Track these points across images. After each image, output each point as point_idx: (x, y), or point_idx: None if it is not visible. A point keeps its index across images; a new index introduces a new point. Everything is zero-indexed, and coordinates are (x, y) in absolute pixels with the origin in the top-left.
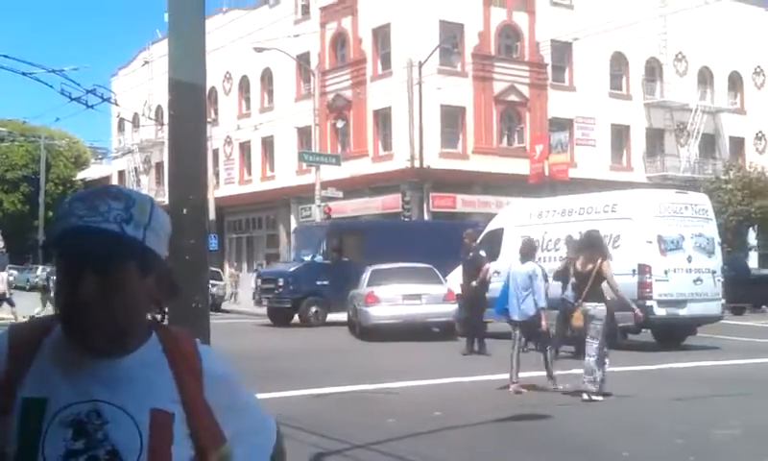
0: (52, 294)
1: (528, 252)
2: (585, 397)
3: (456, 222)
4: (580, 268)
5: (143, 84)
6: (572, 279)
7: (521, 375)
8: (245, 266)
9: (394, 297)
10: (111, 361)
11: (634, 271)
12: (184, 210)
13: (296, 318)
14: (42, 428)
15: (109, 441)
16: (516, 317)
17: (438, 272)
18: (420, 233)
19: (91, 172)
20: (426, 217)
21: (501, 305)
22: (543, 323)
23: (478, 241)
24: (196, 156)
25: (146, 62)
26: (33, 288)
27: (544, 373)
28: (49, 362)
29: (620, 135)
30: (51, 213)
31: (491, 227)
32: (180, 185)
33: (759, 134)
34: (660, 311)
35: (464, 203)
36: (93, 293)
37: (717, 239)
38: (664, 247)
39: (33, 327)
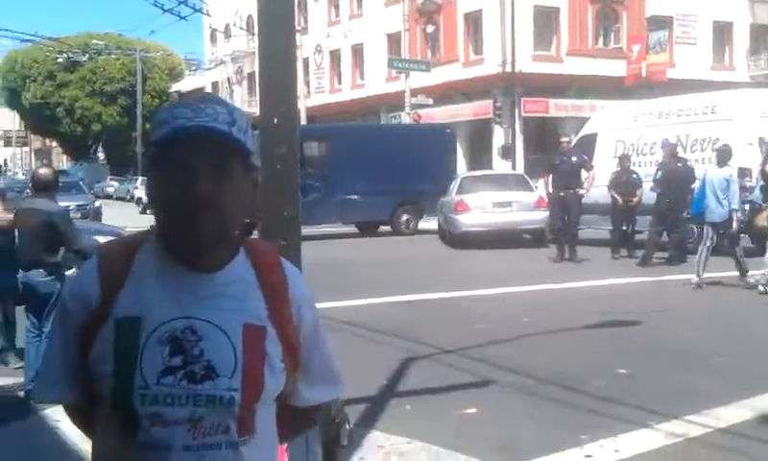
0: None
1: (725, 157)
2: (760, 289)
3: (436, 125)
4: None
5: None
6: (761, 182)
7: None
8: None
9: (484, 204)
10: (205, 276)
11: None
12: (275, 120)
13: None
14: (139, 346)
15: (205, 357)
16: (714, 219)
17: (528, 179)
18: (392, 140)
19: (185, 84)
20: (517, 123)
21: (697, 208)
22: (734, 224)
23: (572, 145)
24: (286, 65)
25: None
26: (132, 199)
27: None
28: (142, 279)
29: (722, 33)
30: (148, 125)
31: (584, 131)
32: (271, 95)
33: None
34: None
35: (557, 107)
36: (211, 188)
37: None
38: (766, 149)
39: (124, 245)
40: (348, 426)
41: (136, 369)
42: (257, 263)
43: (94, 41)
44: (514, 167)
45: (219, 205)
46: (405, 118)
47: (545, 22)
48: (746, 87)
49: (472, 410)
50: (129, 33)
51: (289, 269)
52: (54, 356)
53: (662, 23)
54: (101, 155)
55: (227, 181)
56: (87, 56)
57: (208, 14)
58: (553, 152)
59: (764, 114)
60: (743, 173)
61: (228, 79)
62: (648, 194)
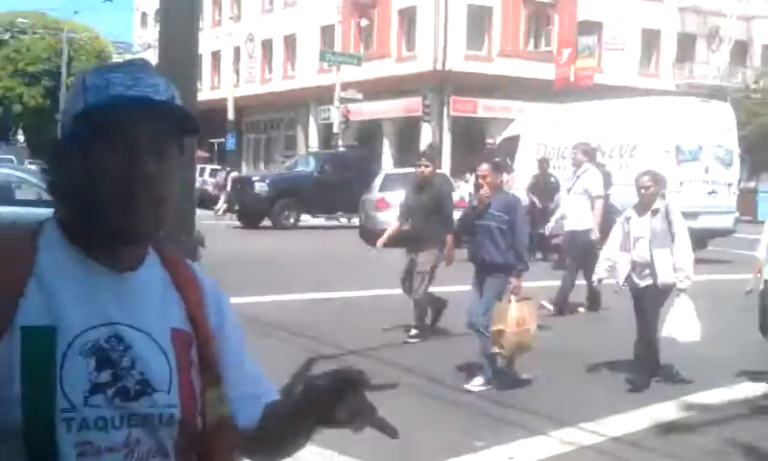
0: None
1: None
2: None
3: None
4: None
5: None
6: None
7: None
8: (262, 167)
9: None
10: (125, 275)
11: None
12: None
13: None
14: (56, 361)
15: (137, 368)
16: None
17: (450, 179)
18: None
19: None
20: (446, 122)
21: None
22: None
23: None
24: (187, 54)
25: None
26: None
27: None
28: (49, 280)
29: (650, 40)
30: None
31: (508, 133)
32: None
33: None
34: None
35: (485, 108)
36: (155, 168)
37: (737, 151)
38: (681, 157)
39: (15, 239)
40: None
41: (56, 389)
42: (167, 262)
43: (19, 20)
44: (440, 167)
45: (160, 188)
46: (335, 112)
47: (478, 21)
48: (671, 95)
49: None
50: (53, 12)
51: (195, 267)
52: None
53: (592, 28)
54: (20, 137)
55: (167, 162)
56: (9, 34)
57: None
58: (478, 153)
59: (680, 123)
60: None
61: (158, 64)
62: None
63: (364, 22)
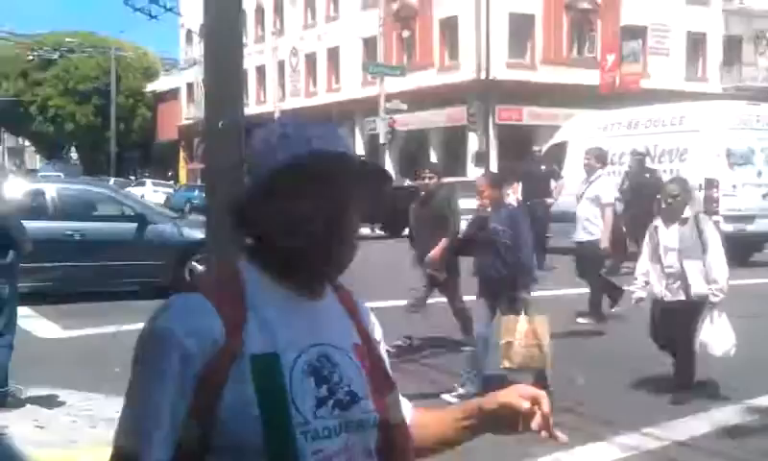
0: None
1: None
2: None
3: None
4: None
5: None
6: None
7: None
8: None
9: None
10: (315, 302)
11: (701, 185)
12: (220, 124)
13: None
14: (285, 381)
15: (345, 382)
16: None
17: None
18: None
19: (160, 84)
20: (491, 130)
21: None
22: None
23: (543, 154)
24: (232, 70)
25: None
26: None
27: None
28: (260, 309)
29: (696, 44)
30: (122, 126)
31: (555, 140)
32: (216, 101)
33: None
34: (727, 227)
35: (531, 115)
36: (355, 222)
37: None
38: (733, 160)
39: (226, 273)
40: None
41: (290, 407)
42: (336, 289)
43: (67, 40)
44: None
45: (356, 234)
46: (380, 123)
47: (520, 30)
48: (719, 99)
49: None
50: (101, 31)
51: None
52: (162, 409)
53: (637, 33)
54: (74, 155)
55: (357, 210)
56: (59, 54)
57: (179, 14)
58: (523, 160)
59: (730, 126)
60: (710, 184)
61: (203, 79)
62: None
63: (406, 33)
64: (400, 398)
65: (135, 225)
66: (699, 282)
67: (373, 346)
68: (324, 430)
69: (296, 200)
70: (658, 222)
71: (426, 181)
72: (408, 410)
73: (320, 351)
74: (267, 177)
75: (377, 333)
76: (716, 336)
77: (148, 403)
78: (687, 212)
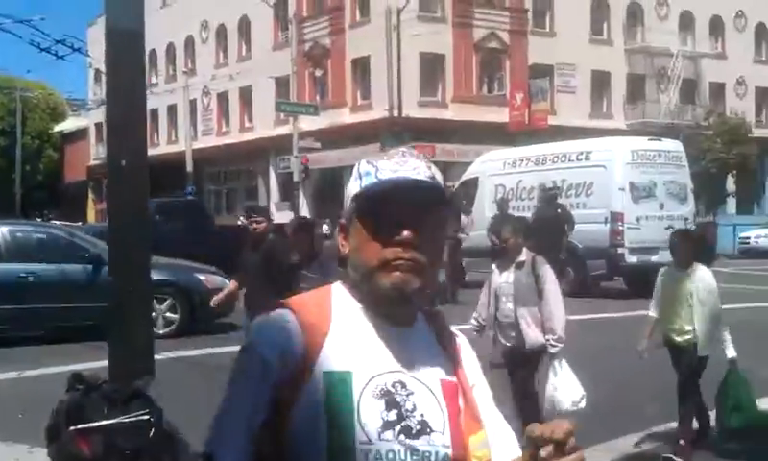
0: None
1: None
2: None
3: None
4: None
5: None
6: None
7: None
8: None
9: None
10: (402, 330)
11: (606, 219)
12: (123, 162)
13: None
14: (354, 401)
15: (418, 411)
16: None
17: None
18: None
19: (68, 124)
20: None
21: None
22: None
23: (455, 189)
24: (133, 106)
25: None
26: None
27: None
28: (344, 332)
29: (601, 82)
30: (28, 166)
31: (466, 175)
32: (119, 137)
33: (740, 80)
34: (632, 258)
35: (443, 152)
36: (413, 237)
37: (690, 186)
38: (636, 194)
39: (318, 296)
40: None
41: (355, 425)
42: (431, 320)
43: None
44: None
45: (419, 255)
46: (294, 161)
47: (431, 69)
48: (623, 135)
49: None
50: (4, 71)
51: (456, 331)
52: (241, 413)
53: (544, 72)
54: None
55: (427, 232)
56: None
57: (87, 54)
58: None
59: (633, 161)
60: (615, 217)
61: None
62: None
63: (318, 72)
64: (503, 440)
65: (91, 266)
66: (534, 332)
67: (465, 382)
68: (388, 453)
69: (363, 225)
70: (494, 265)
71: (254, 226)
72: (508, 455)
73: (397, 377)
74: (348, 209)
75: (477, 370)
76: (562, 389)
77: (230, 407)
78: (524, 256)
